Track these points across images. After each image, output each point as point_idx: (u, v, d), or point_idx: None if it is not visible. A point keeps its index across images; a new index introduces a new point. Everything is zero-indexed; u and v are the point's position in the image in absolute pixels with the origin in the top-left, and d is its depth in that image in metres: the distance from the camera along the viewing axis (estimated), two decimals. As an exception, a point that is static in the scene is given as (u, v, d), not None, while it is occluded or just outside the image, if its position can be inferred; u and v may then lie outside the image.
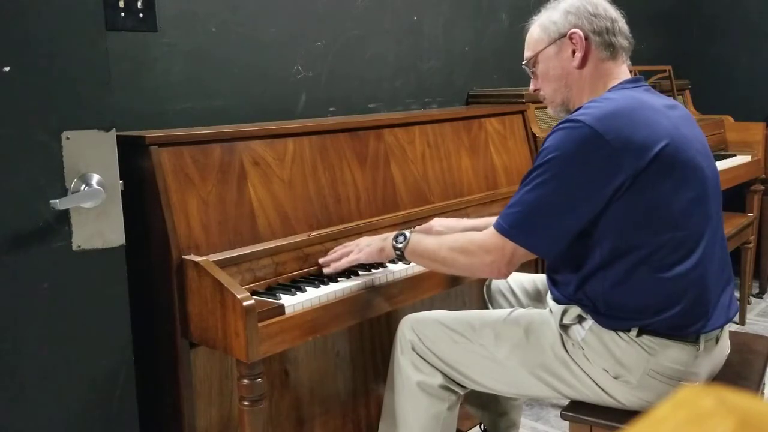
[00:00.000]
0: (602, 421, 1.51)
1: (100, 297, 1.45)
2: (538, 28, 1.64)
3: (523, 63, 1.70)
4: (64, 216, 1.36)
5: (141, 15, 1.95)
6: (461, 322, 1.71)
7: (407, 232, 1.69)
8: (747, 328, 3.44)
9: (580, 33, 1.56)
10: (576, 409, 1.56)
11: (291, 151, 1.95)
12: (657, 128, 1.44)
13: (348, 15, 2.53)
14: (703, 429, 0.37)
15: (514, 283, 2.00)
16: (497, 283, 2.02)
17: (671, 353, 1.47)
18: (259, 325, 1.52)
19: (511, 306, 1.99)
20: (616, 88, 1.55)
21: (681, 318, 1.46)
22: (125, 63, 1.93)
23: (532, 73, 1.70)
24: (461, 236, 1.61)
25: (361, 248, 1.76)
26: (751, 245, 3.48)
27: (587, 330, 1.53)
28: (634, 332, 1.47)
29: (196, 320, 1.63)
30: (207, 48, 2.13)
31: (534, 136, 2.78)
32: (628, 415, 1.50)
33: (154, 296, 1.71)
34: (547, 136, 1.47)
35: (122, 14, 1.92)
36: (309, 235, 1.88)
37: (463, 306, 2.50)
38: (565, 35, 1.58)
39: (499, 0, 3.20)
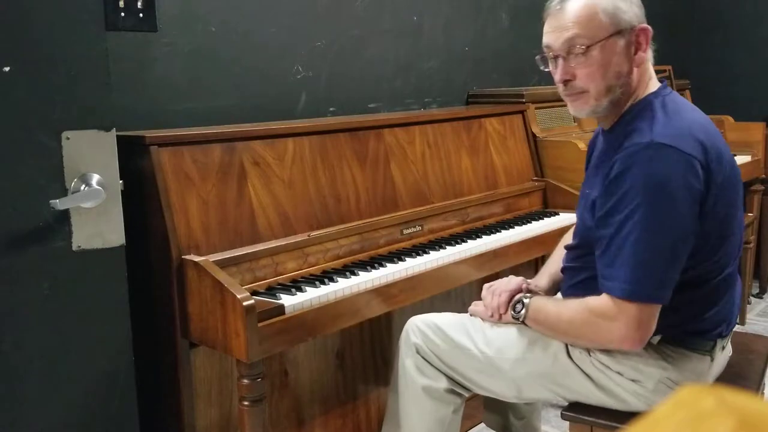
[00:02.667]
0: (602, 421, 1.51)
1: (100, 297, 1.45)
2: (601, 12, 1.40)
3: (566, 41, 1.42)
4: (64, 216, 1.36)
5: (141, 15, 1.95)
6: (465, 331, 1.66)
7: (525, 299, 1.56)
8: (747, 328, 3.44)
9: (650, 30, 1.42)
10: (576, 409, 1.55)
11: (291, 151, 1.95)
12: (718, 135, 1.40)
13: (348, 15, 2.53)
14: (703, 429, 0.37)
15: None
16: None
17: (689, 364, 1.46)
18: (259, 325, 1.52)
19: None
20: (663, 95, 1.45)
21: (711, 322, 1.44)
22: (125, 63, 1.93)
23: (568, 57, 1.43)
24: (579, 304, 1.44)
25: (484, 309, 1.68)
26: (751, 245, 3.48)
27: None
28: (656, 339, 1.45)
29: (196, 320, 1.63)
30: (207, 48, 2.13)
31: (534, 136, 2.77)
32: (628, 415, 1.49)
33: (154, 296, 1.71)
34: (626, 164, 1.33)
35: (122, 14, 1.92)
36: (309, 235, 1.88)
37: (463, 306, 2.50)
38: (634, 29, 1.41)
39: (499, 0, 3.20)
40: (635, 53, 1.43)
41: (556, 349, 1.55)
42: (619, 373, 1.49)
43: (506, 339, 1.61)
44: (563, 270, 1.63)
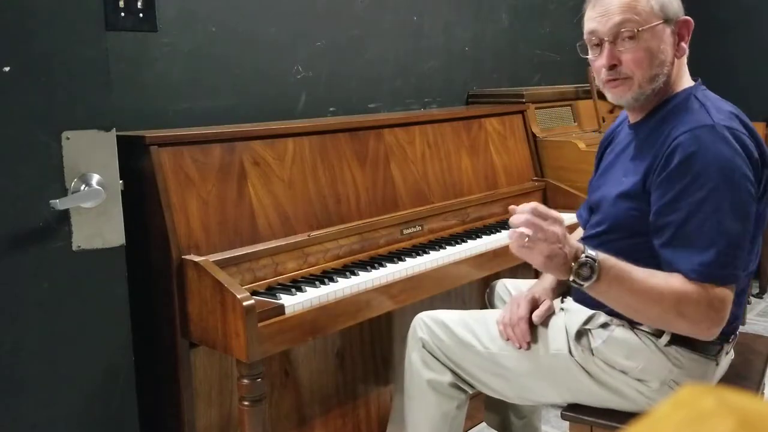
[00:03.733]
0: (602, 421, 1.51)
1: (100, 297, 1.45)
2: (654, 0, 1.43)
3: (615, 26, 1.41)
4: (64, 216, 1.36)
5: (141, 15, 1.95)
6: (470, 328, 1.65)
7: (590, 258, 1.30)
8: (747, 328, 3.44)
9: (692, 22, 1.47)
10: (576, 409, 1.55)
11: (291, 151, 1.95)
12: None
13: (348, 15, 2.53)
14: (703, 429, 0.37)
15: (513, 288, 1.94)
16: (498, 290, 1.95)
17: (694, 367, 1.45)
18: (259, 325, 1.52)
19: None
20: (701, 90, 1.47)
21: (725, 326, 1.42)
22: (125, 63, 1.93)
23: (615, 42, 1.43)
24: (670, 288, 1.31)
25: (540, 247, 1.29)
26: (751, 245, 3.48)
27: (606, 338, 1.49)
28: (664, 339, 1.44)
29: (196, 320, 1.63)
30: (207, 48, 2.13)
31: (534, 136, 2.77)
32: (628, 415, 1.49)
33: (154, 296, 1.71)
34: (692, 147, 1.32)
35: (122, 14, 1.92)
36: (309, 235, 1.88)
37: (463, 306, 2.50)
38: (678, 19, 1.45)
39: (499, 0, 3.20)
40: (678, 44, 1.46)
41: (559, 346, 1.54)
42: (623, 372, 1.48)
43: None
44: None
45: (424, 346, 1.68)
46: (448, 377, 1.67)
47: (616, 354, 1.48)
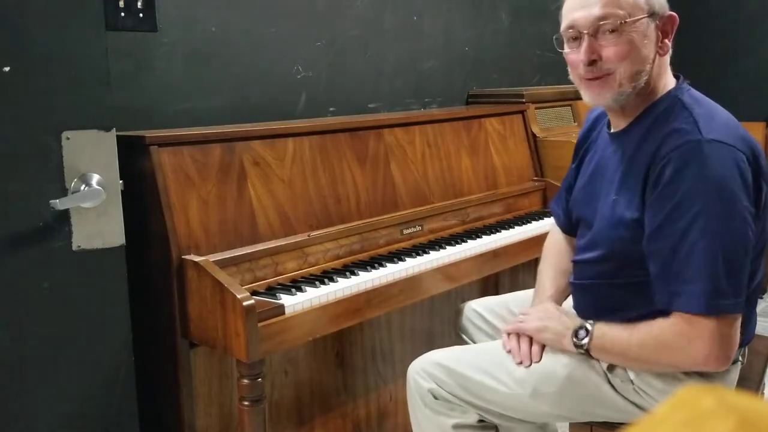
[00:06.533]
0: (602, 421, 1.51)
1: (100, 297, 1.45)
2: None
3: (596, 19, 1.31)
4: (64, 216, 1.36)
5: (141, 15, 1.95)
6: (483, 369, 1.48)
7: (588, 325, 1.39)
8: (747, 328, 3.43)
9: (677, 18, 1.36)
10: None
11: (291, 151, 1.95)
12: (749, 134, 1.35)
13: (348, 15, 2.53)
14: (703, 429, 0.37)
15: (484, 309, 1.82)
16: (467, 315, 1.82)
17: (727, 375, 1.41)
18: (259, 325, 1.52)
19: (487, 334, 1.78)
20: (685, 90, 1.39)
21: (747, 331, 1.38)
22: (125, 63, 1.93)
23: (596, 35, 1.32)
24: (649, 325, 1.30)
25: (536, 327, 1.46)
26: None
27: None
28: None
29: (196, 320, 1.63)
30: (207, 48, 2.13)
31: (534, 135, 2.77)
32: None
33: (154, 296, 1.71)
34: (678, 165, 1.23)
35: (122, 14, 1.92)
36: (309, 235, 1.88)
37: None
38: (664, 14, 1.35)
39: (499, 0, 3.20)
40: (661, 41, 1.36)
41: (597, 381, 1.42)
42: (664, 392, 1.39)
43: (540, 376, 1.45)
44: (582, 287, 1.49)
45: (435, 397, 1.51)
46: (473, 416, 1.50)
47: (652, 378, 1.39)
